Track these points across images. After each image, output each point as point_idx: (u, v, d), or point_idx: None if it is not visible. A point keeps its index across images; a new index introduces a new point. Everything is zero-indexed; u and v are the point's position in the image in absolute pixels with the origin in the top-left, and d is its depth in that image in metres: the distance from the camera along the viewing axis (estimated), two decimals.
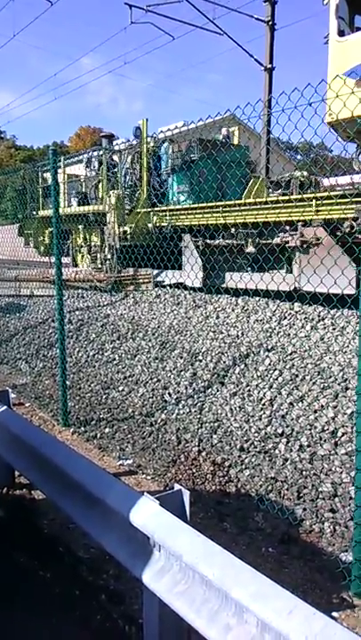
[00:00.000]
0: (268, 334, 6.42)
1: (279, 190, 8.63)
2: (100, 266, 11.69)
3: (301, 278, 7.12)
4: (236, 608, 1.93)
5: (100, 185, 12.24)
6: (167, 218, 10.15)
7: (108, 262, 11.09)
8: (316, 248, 7.06)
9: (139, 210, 11.11)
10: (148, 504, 2.29)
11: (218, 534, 3.44)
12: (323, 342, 5.85)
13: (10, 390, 4.27)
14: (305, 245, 7.31)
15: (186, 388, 5.71)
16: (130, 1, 15.20)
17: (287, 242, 7.54)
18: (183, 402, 5.47)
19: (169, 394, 5.69)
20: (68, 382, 5.51)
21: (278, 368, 5.48)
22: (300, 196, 7.51)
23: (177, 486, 2.40)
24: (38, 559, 3.21)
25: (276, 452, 4.38)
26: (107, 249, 11.12)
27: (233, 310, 7.49)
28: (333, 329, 6.10)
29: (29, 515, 3.72)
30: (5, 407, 3.89)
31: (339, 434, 4.38)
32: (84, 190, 13.30)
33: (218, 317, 7.39)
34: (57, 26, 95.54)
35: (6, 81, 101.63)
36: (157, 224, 10.53)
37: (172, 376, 6.01)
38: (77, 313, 8.81)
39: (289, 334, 6.30)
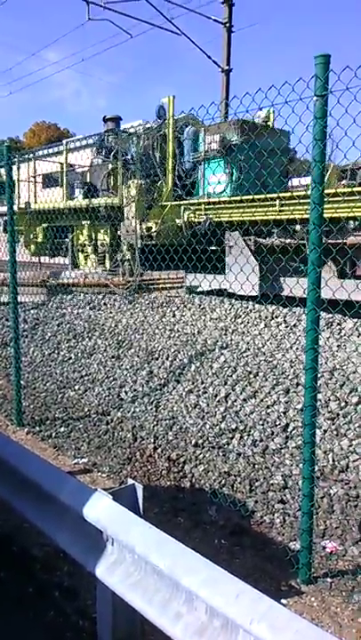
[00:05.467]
0: (224, 332, 6.54)
1: (343, 181, 7.74)
2: (109, 268, 10.42)
3: None
4: (186, 596, 2.00)
5: (113, 174, 10.79)
6: (204, 212, 8.73)
7: (127, 264, 9.74)
8: None
9: (164, 203, 9.63)
10: (102, 499, 2.32)
11: (172, 528, 3.50)
12: (275, 340, 6.02)
13: None
14: None
15: (142, 386, 5.75)
16: None
17: None
18: (139, 400, 5.51)
19: (125, 392, 5.71)
20: (22, 382, 5.45)
21: (233, 365, 5.60)
22: None
23: (130, 481, 2.44)
24: None
25: (230, 446, 4.49)
26: (125, 248, 9.83)
27: (189, 309, 7.58)
28: (286, 327, 6.28)
29: None
30: None
31: (290, 428, 4.54)
32: (89, 180, 11.82)
33: (174, 316, 7.46)
34: (17, 20, 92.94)
35: None
36: (190, 219, 9.09)
37: (129, 374, 6.04)
38: (32, 312, 8.69)
39: (243, 332, 6.44)
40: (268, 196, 7.27)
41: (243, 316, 6.84)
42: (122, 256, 9.98)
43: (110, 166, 10.98)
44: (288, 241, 7.28)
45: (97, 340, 7.11)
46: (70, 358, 6.84)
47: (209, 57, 17.14)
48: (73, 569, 3.01)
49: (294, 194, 7.23)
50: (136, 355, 6.43)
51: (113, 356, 6.55)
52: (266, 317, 6.63)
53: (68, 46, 76.38)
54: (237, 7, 18.00)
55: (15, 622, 2.74)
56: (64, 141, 12.98)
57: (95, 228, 11.23)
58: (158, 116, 10.32)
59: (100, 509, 2.29)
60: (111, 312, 8.15)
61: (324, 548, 3.34)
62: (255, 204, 7.68)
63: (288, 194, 7.29)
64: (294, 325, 6.22)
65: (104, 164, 11.27)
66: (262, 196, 7.36)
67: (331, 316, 6.26)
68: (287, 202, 7.21)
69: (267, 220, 7.29)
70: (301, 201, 7.07)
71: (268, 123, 10.08)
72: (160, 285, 9.04)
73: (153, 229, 9.39)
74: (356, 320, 6.13)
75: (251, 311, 6.89)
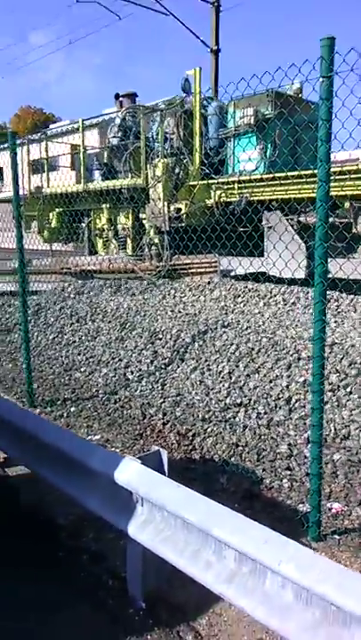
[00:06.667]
0: (224, 312, 6.71)
1: None
2: (132, 252, 9.92)
3: None
4: (215, 546, 2.19)
5: (136, 154, 10.14)
6: (237, 191, 8.26)
7: (154, 248, 9.26)
8: None
9: (192, 183, 9.02)
10: (131, 463, 2.50)
11: None
12: (275, 317, 6.20)
13: None
14: None
15: (147, 365, 5.92)
16: None
17: None
18: (145, 379, 5.68)
19: (131, 372, 5.89)
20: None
21: (235, 343, 5.78)
22: None
23: (155, 447, 2.62)
24: (19, 530, 3.36)
25: (236, 420, 4.69)
26: (151, 232, 9.38)
27: (190, 290, 7.73)
28: (285, 304, 6.46)
29: (4, 491, 3.85)
30: None
31: (293, 401, 4.74)
32: (105, 161, 11.26)
33: (174, 297, 7.61)
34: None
35: None
36: (221, 199, 8.62)
37: (134, 355, 6.20)
38: (34, 298, 8.79)
39: (243, 311, 6.62)
40: (311, 172, 6.31)
41: (242, 295, 7.02)
42: (148, 240, 9.53)
43: (132, 146, 10.38)
44: (335, 220, 6.67)
45: (100, 323, 7.26)
46: (74, 341, 6.99)
47: (197, 37, 17.05)
48: (99, 535, 3.20)
49: (344, 168, 6.42)
50: (139, 336, 6.59)
51: (117, 338, 6.71)
52: (265, 296, 6.81)
53: (54, 29, 74.90)
54: None
55: (48, 586, 2.91)
56: (79, 120, 12.04)
57: (114, 212, 10.72)
58: (183, 89, 9.67)
59: (130, 473, 2.47)
60: (112, 296, 8.28)
61: (330, 509, 3.56)
62: (294, 181, 7.11)
63: (337, 169, 6.43)
64: (293, 303, 6.41)
65: (124, 144, 10.69)
66: (305, 172, 6.47)
67: (329, 293, 6.43)
68: (336, 177, 6.41)
69: (308, 198, 6.69)
70: (352, 176, 6.48)
71: (300, 96, 9.23)
72: (192, 270, 8.63)
73: (183, 211, 8.90)
74: (352, 297, 6.33)
75: (250, 290, 7.06)
